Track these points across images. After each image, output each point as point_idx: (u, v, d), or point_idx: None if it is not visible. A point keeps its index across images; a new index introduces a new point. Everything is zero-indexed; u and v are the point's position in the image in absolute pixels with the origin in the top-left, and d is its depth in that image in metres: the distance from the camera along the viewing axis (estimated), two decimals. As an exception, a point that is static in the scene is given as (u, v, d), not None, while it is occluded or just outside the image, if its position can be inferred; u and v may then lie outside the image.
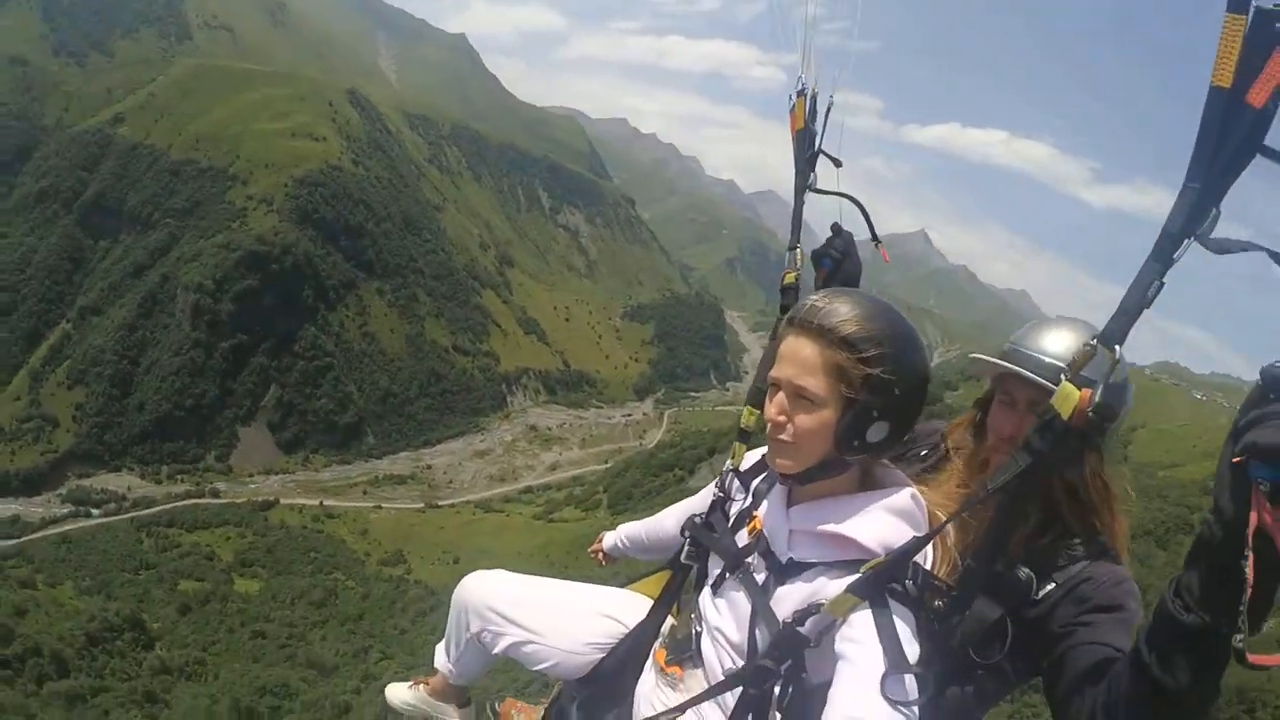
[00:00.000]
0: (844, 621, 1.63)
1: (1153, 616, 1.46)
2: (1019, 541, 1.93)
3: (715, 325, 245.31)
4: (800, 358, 1.74)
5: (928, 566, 1.78)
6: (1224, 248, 1.32)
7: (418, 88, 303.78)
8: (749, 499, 2.11)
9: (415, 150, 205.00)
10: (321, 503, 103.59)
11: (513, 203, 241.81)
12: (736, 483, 2.20)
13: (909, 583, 1.67)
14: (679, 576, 2.30)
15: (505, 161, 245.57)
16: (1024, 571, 1.92)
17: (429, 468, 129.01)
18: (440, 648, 2.71)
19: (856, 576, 1.66)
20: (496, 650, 2.42)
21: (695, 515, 2.23)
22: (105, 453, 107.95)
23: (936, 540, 1.82)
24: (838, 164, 2.54)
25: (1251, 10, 1.19)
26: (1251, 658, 1.23)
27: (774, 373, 1.81)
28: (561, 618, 2.36)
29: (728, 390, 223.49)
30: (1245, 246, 1.29)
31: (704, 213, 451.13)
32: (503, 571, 2.52)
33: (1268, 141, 1.25)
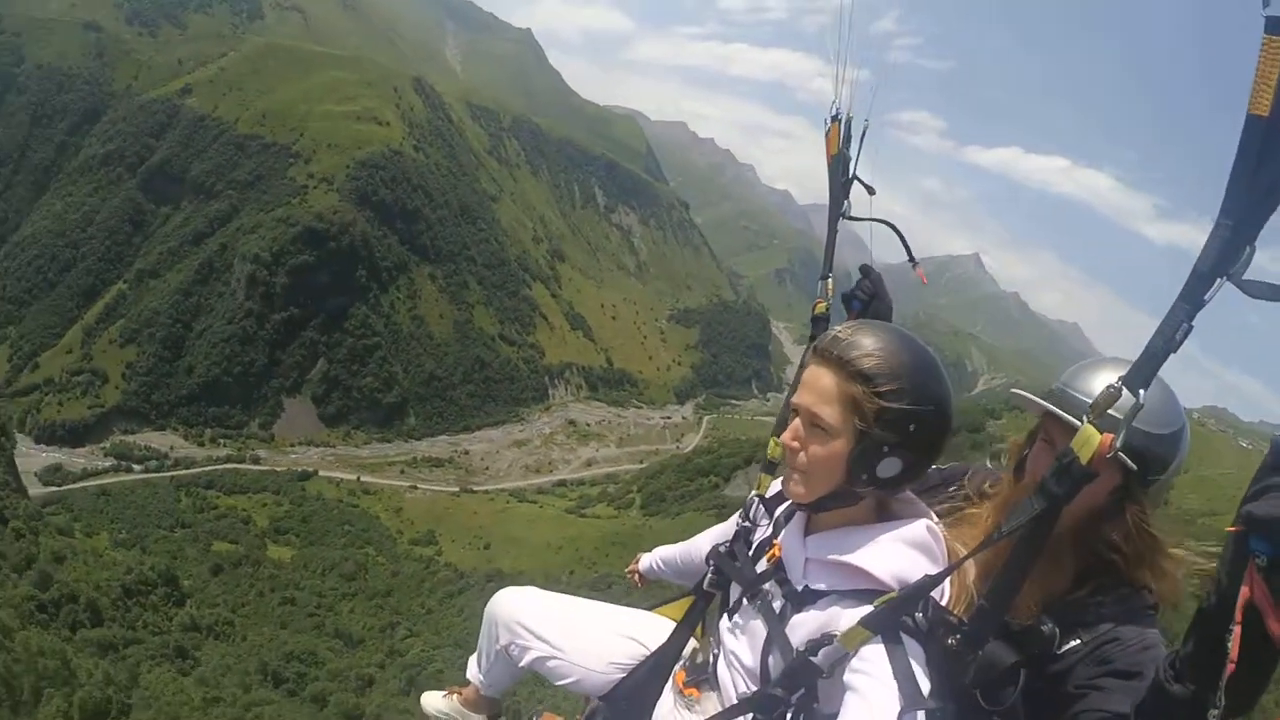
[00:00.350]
0: (855, 654, 1.63)
1: (1148, 685, 1.46)
2: (1052, 593, 1.91)
3: (760, 335, 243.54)
4: (818, 387, 1.76)
5: (944, 601, 1.78)
6: (1260, 292, 1.22)
7: (482, 79, 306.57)
8: (771, 528, 2.12)
9: (476, 140, 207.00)
10: (359, 478, 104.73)
11: (568, 198, 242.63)
12: (761, 511, 2.21)
13: (919, 615, 1.67)
14: (702, 602, 2.32)
15: (563, 157, 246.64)
16: (1048, 625, 1.88)
17: (466, 453, 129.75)
18: (473, 659, 2.77)
19: (869, 610, 1.66)
20: (523, 663, 2.48)
21: (720, 544, 2.26)
22: (152, 411, 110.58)
23: (955, 576, 1.81)
24: (871, 191, 2.50)
25: None
26: None
27: (795, 399, 1.83)
28: (586, 636, 2.41)
29: (768, 401, 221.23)
30: None
31: (756, 221, 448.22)
32: (533, 589, 2.59)
33: None
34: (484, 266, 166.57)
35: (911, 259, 2.54)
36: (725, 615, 2.10)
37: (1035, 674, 1.83)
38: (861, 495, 1.81)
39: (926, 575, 1.67)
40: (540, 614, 2.46)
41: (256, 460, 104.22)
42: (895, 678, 1.55)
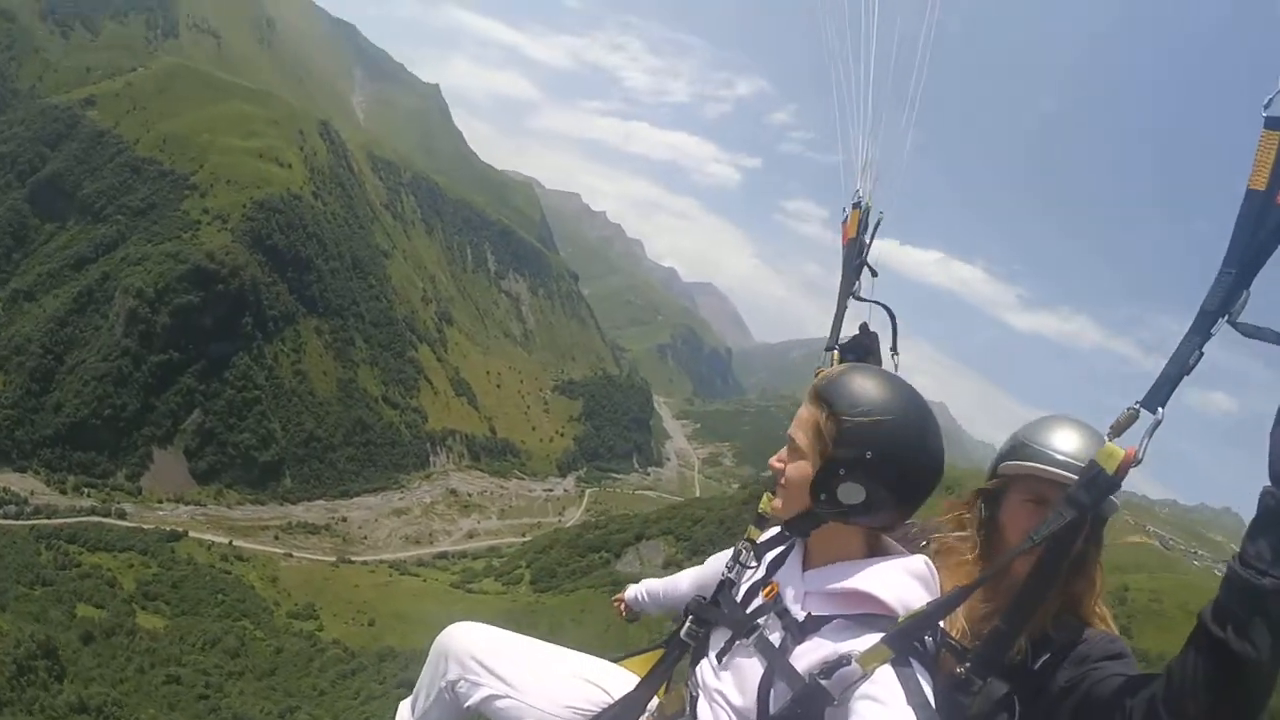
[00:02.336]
0: (867, 677, 1.65)
1: (1222, 592, 1.54)
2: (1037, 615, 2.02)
3: (643, 409, 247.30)
4: (799, 417, 1.92)
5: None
6: (1254, 334, 1.52)
7: (384, 130, 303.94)
8: (762, 570, 2.17)
9: (374, 193, 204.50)
10: (231, 542, 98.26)
11: (460, 261, 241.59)
12: (751, 556, 2.26)
13: (929, 640, 1.74)
14: (672, 654, 2.30)
15: (459, 218, 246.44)
16: (1021, 641, 2.01)
17: (344, 520, 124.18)
18: (405, 704, 2.64)
19: (891, 630, 1.70)
20: (470, 702, 2.34)
21: (700, 595, 2.28)
22: (14, 450, 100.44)
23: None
24: (874, 274, 2.77)
25: None
26: None
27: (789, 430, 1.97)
28: (544, 676, 2.32)
29: (648, 474, 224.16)
30: (1277, 339, 1.50)
31: (642, 295, 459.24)
32: (490, 626, 2.50)
33: None
34: (371, 324, 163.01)
35: (894, 348, 2.71)
36: (710, 658, 2.09)
37: (1018, 694, 1.97)
38: (822, 516, 1.88)
39: (957, 589, 1.75)
40: (496, 650, 2.38)
41: (122, 515, 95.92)
42: (910, 704, 1.59)
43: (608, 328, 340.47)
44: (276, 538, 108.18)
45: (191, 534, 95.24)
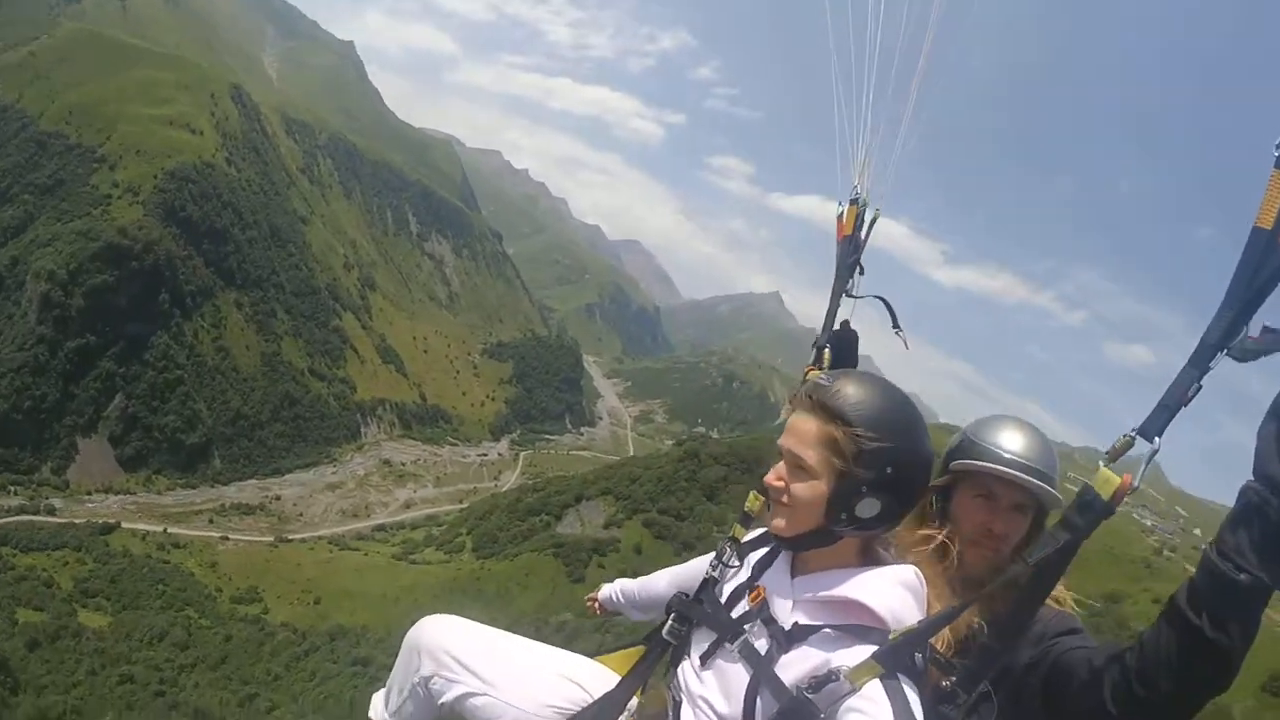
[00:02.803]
0: (856, 691, 1.64)
1: (1199, 579, 1.67)
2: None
3: (573, 369, 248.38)
4: (801, 431, 1.86)
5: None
6: (1244, 356, 1.63)
7: (299, 90, 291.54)
8: (747, 572, 2.14)
9: (290, 157, 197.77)
10: (166, 529, 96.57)
11: (380, 224, 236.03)
12: (733, 556, 2.24)
13: (919, 656, 1.74)
14: (654, 652, 2.26)
15: (378, 180, 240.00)
16: (975, 622, 2.11)
17: (278, 498, 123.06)
18: (378, 696, 2.60)
19: (870, 648, 1.71)
20: (445, 699, 2.27)
21: (683, 592, 2.25)
22: None
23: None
24: (862, 271, 2.82)
25: None
26: None
27: (780, 441, 1.92)
28: (522, 673, 2.25)
29: (581, 435, 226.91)
30: (1267, 350, 1.61)
31: (568, 254, 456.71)
32: (461, 618, 2.42)
33: None
34: (293, 294, 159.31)
35: (896, 325, 2.86)
36: (694, 661, 2.06)
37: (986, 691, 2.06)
38: (841, 535, 1.86)
39: (951, 607, 1.80)
40: (471, 645, 2.27)
41: (52, 511, 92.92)
42: (903, 711, 1.60)
43: (534, 287, 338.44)
44: (211, 521, 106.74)
45: (124, 524, 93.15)
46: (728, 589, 2.15)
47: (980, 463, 2.36)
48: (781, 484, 1.88)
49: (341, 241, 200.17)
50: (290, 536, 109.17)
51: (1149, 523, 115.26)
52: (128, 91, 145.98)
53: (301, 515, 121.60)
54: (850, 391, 1.85)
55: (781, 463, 1.90)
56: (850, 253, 2.79)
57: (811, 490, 1.84)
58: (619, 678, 2.29)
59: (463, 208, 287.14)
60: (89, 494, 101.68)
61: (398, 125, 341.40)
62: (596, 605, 3.26)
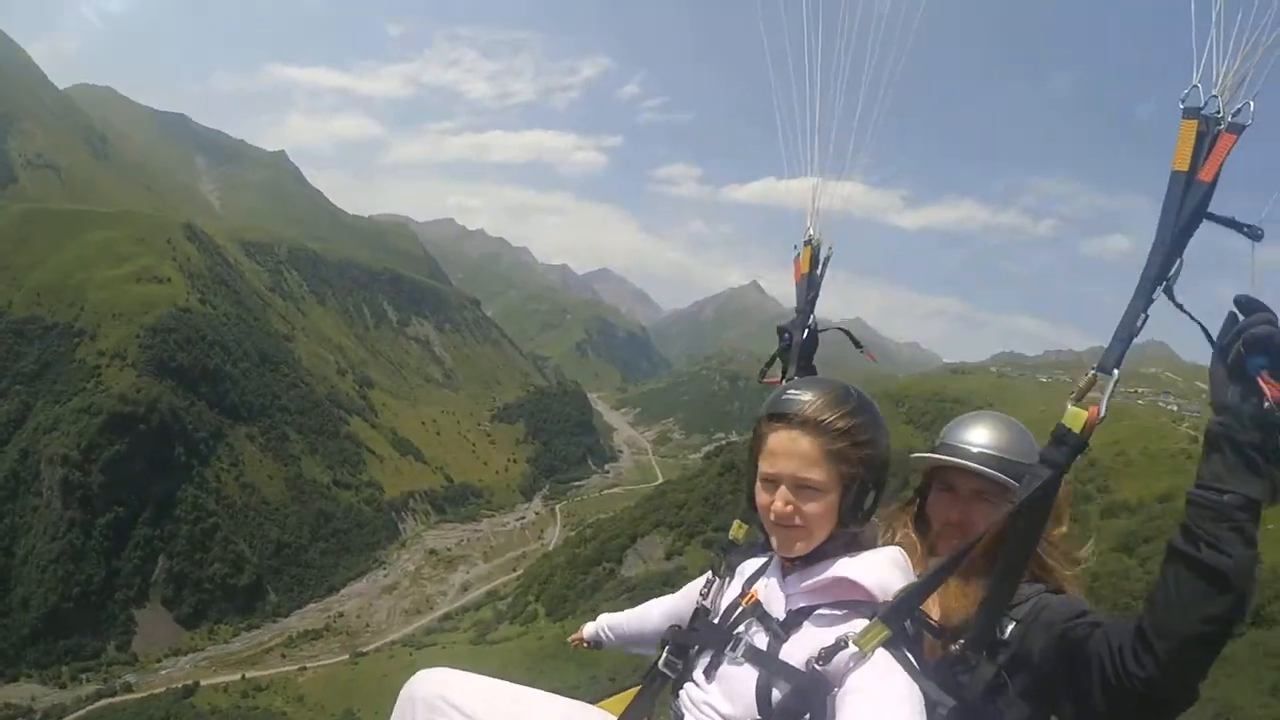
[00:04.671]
0: (866, 658, 1.71)
1: (1188, 516, 1.77)
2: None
3: (582, 411, 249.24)
4: (797, 452, 1.89)
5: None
6: (1182, 309, 1.79)
7: (243, 212, 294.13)
8: (739, 588, 2.18)
9: (256, 279, 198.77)
10: (244, 676, 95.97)
11: (360, 321, 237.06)
12: (727, 581, 2.28)
13: (909, 624, 1.80)
14: (651, 687, 2.25)
15: (345, 279, 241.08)
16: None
17: (340, 615, 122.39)
18: None
19: (884, 607, 1.78)
20: None
21: (676, 624, 2.26)
22: None
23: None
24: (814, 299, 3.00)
25: (1200, 116, 1.76)
26: None
27: (771, 469, 1.93)
28: (522, 716, 2.10)
29: (608, 472, 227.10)
30: (1194, 319, 1.77)
31: (544, 301, 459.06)
32: (459, 670, 2.26)
33: (1211, 210, 1.76)
34: (298, 413, 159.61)
35: (858, 345, 3.08)
36: (695, 679, 2.06)
37: (996, 669, 2.11)
38: (855, 532, 1.97)
39: (949, 556, 1.84)
40: (471, 691, 2.12)
41: (129, 688, 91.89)
42: (912, 678, 1.68)
43: (521, 341, 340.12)
44: (284, 656, 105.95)
45: (203, 682, 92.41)
46: (722, 606, 2.18)
47: (930, 454, 2.49)
48: (791, 509, 1.90)
49: (328, 349, 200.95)
50: (364, 649, 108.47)
51: (1175, 408, 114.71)
52: (88, 258, 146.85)
53: (368, 626, 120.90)
54: (835, 405, 1.91)
55: (782, 488, 1.91)
56: (808, 289, 3.00)
57: (824, 506, 1.89)
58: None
59: (434, 284, 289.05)
60: (159, 661, 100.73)
61: (349, 220, 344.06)
62: (582, 643, 3.22)
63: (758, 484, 2.00)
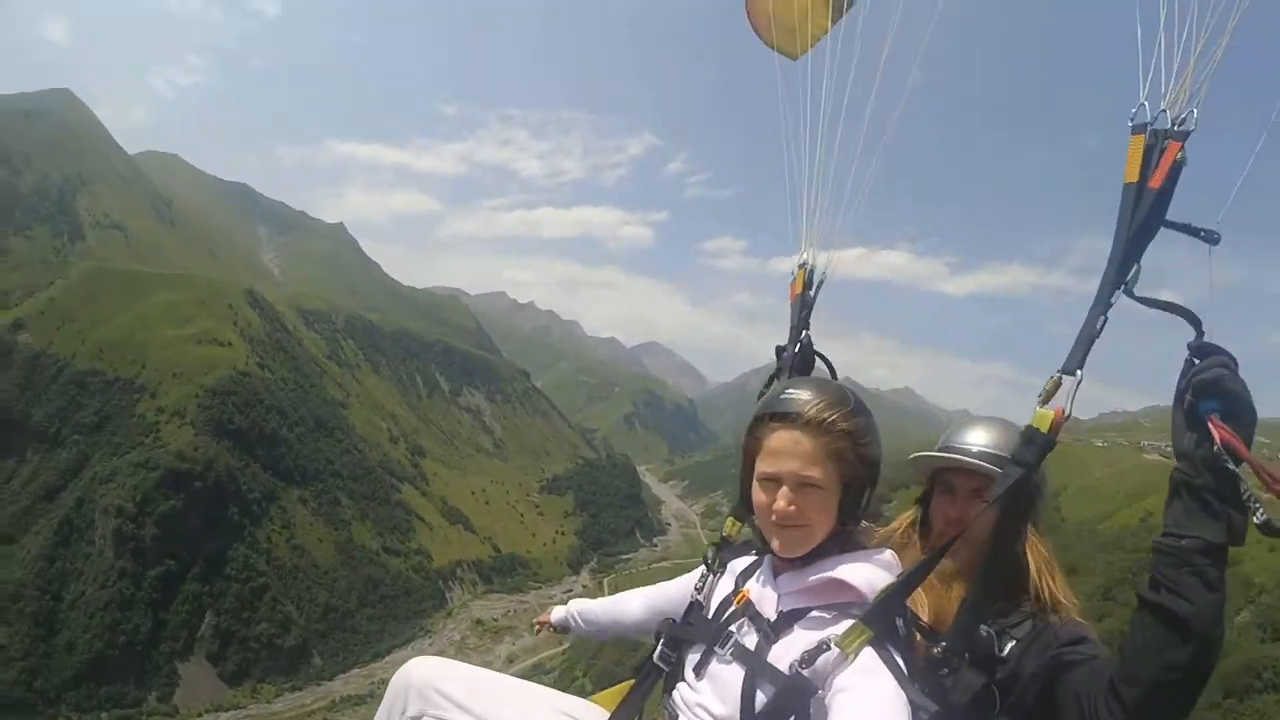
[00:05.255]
0: (848, 660, 1.69)
1: (1153, 565, 1.78)
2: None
3: (631, 484, 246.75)
4: (801, 451, 1.89)
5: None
6: (1147, 304, 1.84)
7: (302, 280, 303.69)
8: (731, 585, 2.18)
9: (314, 347, 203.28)
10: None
11: (413, 390, 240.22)
12: (720, 576, 2.28)
13: (899, 621, 1.79)
14: (646, 681, 2.26)
15: (400, 349, 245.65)
16: (985, 629, 2.07)
17: (384, 682, 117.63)
18: None
19: (866, 608, 1.77)
20: None
21: (670, 619, 2.26)
22: (38, 701, 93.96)
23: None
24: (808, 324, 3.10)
25: (1148, 130, 1.82)
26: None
27: (771, 468, 1.93)
28: (514, 708, 2.17)
29: (655, 546, 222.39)
30: (1165, 306, 1.84)
31: (593, 374, 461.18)
32: (451, 660, 2.35)
33: (1168, 216, 1.81)
34: (350, 479, 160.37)
35: (834, 377, 3.02)
36: (689, 676, 2.07)
37: (986, 681, 2.06)
38: (850, 533, 1.98)
39: (924, 557, 1.86)
40: (463, 682, 2.20)
41: None
42: (896, 679, 1.66)
43: (569, 412, 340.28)
44: (325, 719, 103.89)
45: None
46: (714, 603, 2.17)
47: (926, 453, 2.53)
48: (795, 508, 1.90)
49: (382, 416, 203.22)
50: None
51: (1158, 456, 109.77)
52: (151, 318, 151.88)
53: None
54: (836, 404, 1.94)
55: (784, 487, 1.91)
56: (801, 309, 3.05)
57: (825, 504, 1.91)
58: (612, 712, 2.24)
59: (486, 355, 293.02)
60: (199, 716, 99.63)
61: (405, 291, 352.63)
62: (548, 627, 3.19)
63: (755, 485, 1.99)
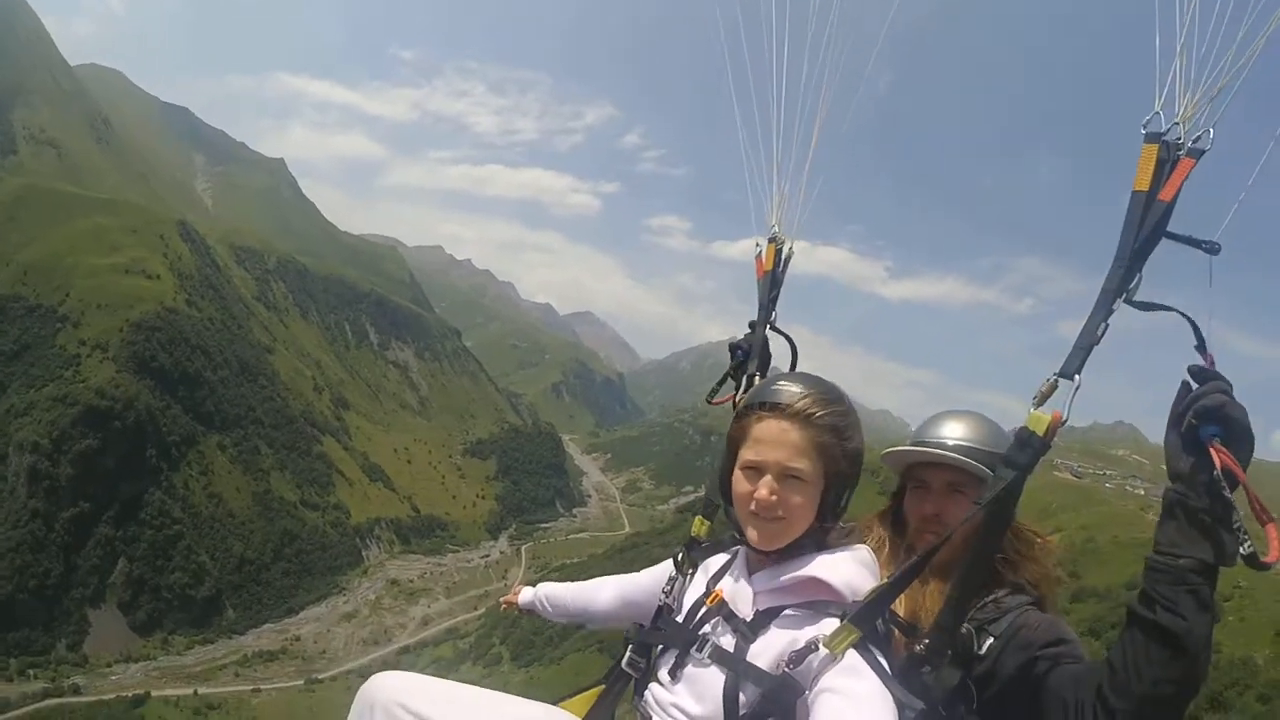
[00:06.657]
0: (836, 660, 1.68)
1: (1145, 582, 1.83)
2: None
3: (555, 453, 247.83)
4: (788, 442, 1.88)
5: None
6: (1147, 307, 1.87)
7: (235, 214, 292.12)
8: (703, 587, 2.14)
9: (244, 286, 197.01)
10: (196, 691, 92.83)
11: (341, 340, 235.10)
12: (690, 578, 2.24)
13: (880, 623, 1.79)
14: (615, 688, 2.22)
15: (331, 296, 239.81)
16: (965, 627, 2.06)
17: (297, 639, 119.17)
18: None
19: (854, 609, 1.76)
20: None
21: (639, 624, 2.21)
22: None
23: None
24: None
25: (1161, 142, 1.84)
26: (1265, 558, 1.64)
27: (757, 456, 1.92)
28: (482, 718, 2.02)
29: (575, 516, 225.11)
30: (1166, 308, 1.86)
31: (525, 338, 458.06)
32: (417, 673, 2.14)
33: (1170, 229, 1.83)
34: (271, 427, 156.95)
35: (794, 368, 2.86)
36: (663, 677, 2.02)
37: (970, 680, 2.09)
38: (830, 529, 1.99)
39: (912, 560, 1.84)
40: (430, 696, 2.01)
41: (77, 690, 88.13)
42: (882, 681, 1.65)
43: (498, 376, 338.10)
44: (237, 675, 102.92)
45: (154, 693, 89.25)
46: (686, 604, 2.15)
47: (900, 448, 2.53)
48: (776, 499, 1.89)
49: (307, 364, 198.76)
50: (319, 676, 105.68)
51: (1142, 491, 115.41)
52: (79, 243, 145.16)
53: (324, 652, 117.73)
54: (825, 399, 1.94)
55: (767, 477, 1.90)
56: (770, 288, 2.92)
57: (807, 498, 1.89)
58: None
59: (418, 310, 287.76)
60: (109, 666, 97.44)
61: (340, 236, 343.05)
62: (515, 609, 3.14)
63: (737, 473, 1.97)
